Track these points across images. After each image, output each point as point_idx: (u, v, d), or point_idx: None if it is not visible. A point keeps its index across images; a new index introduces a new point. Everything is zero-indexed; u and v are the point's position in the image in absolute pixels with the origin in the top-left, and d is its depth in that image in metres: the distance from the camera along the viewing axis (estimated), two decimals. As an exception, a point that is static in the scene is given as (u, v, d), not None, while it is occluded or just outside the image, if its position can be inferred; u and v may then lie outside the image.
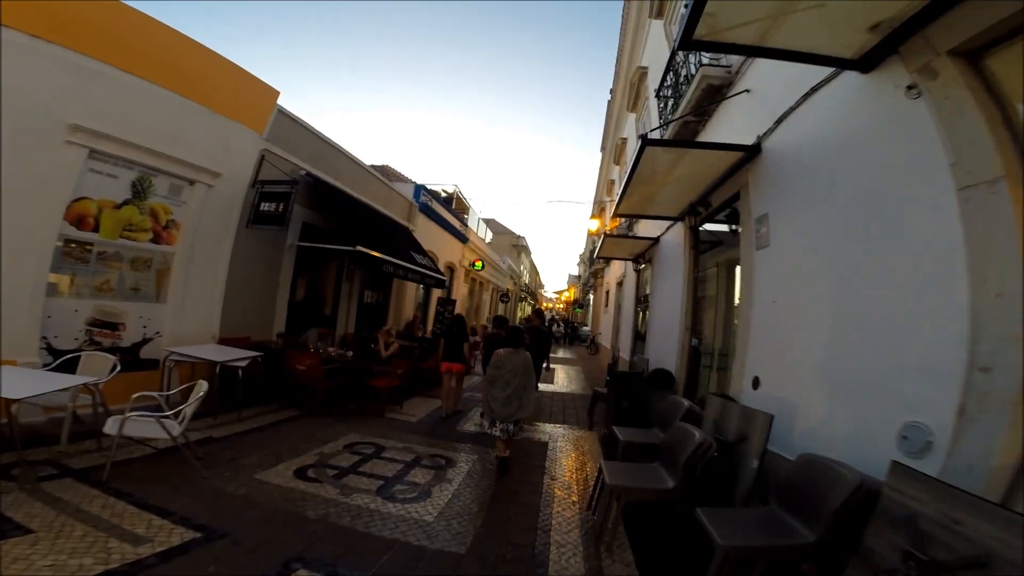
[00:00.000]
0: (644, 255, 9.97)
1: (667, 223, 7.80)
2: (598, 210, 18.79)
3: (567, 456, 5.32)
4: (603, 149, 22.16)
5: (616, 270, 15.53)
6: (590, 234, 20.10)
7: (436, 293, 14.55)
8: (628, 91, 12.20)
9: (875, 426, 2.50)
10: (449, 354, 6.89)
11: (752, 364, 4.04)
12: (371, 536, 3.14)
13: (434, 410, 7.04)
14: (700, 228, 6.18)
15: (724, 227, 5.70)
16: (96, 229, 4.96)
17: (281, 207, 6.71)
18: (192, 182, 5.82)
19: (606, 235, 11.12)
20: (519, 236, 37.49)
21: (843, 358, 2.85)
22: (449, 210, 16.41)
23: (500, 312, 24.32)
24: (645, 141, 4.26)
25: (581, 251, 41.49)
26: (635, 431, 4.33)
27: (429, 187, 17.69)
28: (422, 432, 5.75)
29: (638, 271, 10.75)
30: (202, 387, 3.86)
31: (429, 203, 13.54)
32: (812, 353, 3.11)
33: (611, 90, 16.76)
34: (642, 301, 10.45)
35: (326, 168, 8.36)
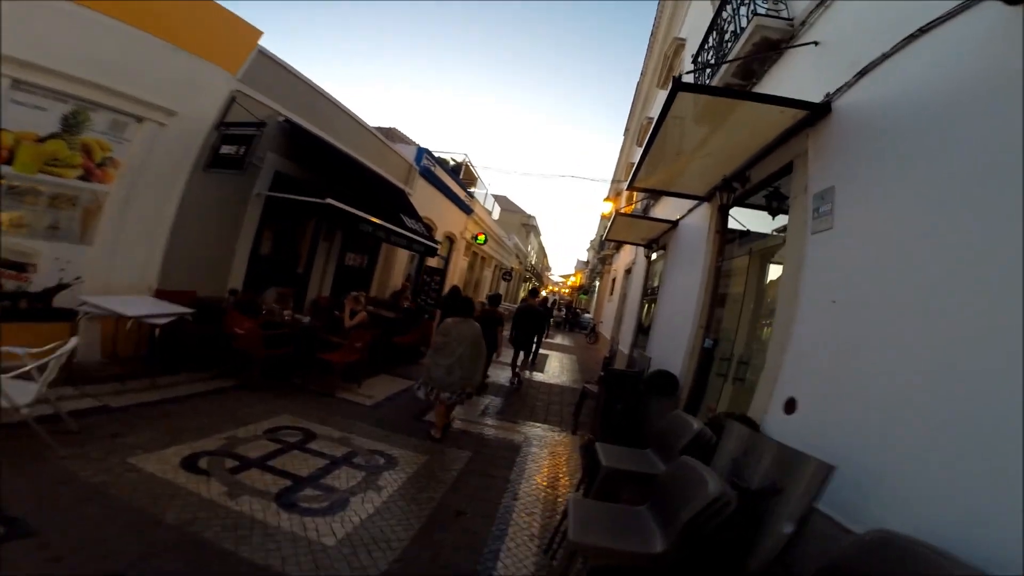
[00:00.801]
0: (658, 240, 8.90)
1: (689, 205, 6.71)
2: (613, 193, 17.60)
3: (539, 467, 4.42)
4: (626, 131, 20.80)
5: (626, 257, 14.45)
6: (603, 218, 18.92)
7: (431, 263, 13.64)
8: (661, 65, 10.95)
9: (1003, 502, 1.53)
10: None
11: (788, 381, 3.03)
12: (232, 558, 2.29)
13: (398, 392, 6.13)
14: (731, 209, 5.07)
15: (757, 212, 4.56)
16: (10, 162, 4.23)
17: (242, 150, 5.79)
18: (140, 119, 5.12)
19: (618, 214, 10.02)
20: (529, 216, 36.27)
21: (949, 391, 1.85)
22: (455, 179, 15.36)
23: (500, 290, 23.38)
24: (677, 84, 3.23)
25: (592, 237, 40.26)
26: (624, 452, 3.37)
27: (436, 153, 16.65)
28: (372, 420, 4.86)
29: (649, 258, 9.70)
30: (68, 344, 2.97)
31: (432, 168, 12.48)
32: (897, 378, 2.11)
33: (642, 69, 15.65)
34: (649, 293, 9.42)
35: (313, 119, 7.44)
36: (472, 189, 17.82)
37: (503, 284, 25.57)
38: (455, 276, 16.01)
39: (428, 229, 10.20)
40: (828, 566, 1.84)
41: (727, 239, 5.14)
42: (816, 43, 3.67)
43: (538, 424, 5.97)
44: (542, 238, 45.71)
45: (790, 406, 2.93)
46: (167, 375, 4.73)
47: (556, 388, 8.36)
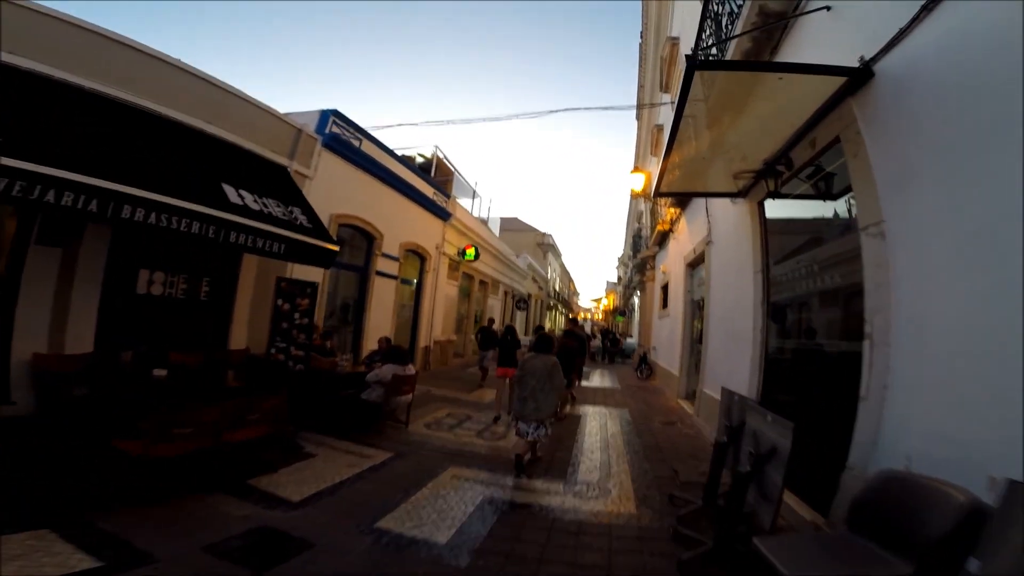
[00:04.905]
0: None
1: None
2: (642, 163, 12.75)
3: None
4: (638, 117, 16.97)
5: (682, 244, 9.40)
6: (633, 196, 13.93)
7: (383, 286, 8.95)
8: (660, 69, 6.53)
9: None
10: (505, 360, 7.06)
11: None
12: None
13: None
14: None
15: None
16: None
17: None
18: None
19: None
20: (544, 234, 31.60)
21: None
22: (423, 177, 11.00)
23: (513, 324, 18.42)
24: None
25: (619, 253, 35.29)
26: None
27: (401, 151, 12.38)
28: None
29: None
30: None
31: (354, 140, 8.04)
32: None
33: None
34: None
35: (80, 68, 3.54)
36: (449, 190, 13.40)
37: (519, 315, 20.65)
38: (435, 306, 11.24)
39: (313, 221, 5.51)
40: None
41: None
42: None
43: None
44: (563, 259, 40.80)
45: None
46: None
47: (592, 516, 3.28)
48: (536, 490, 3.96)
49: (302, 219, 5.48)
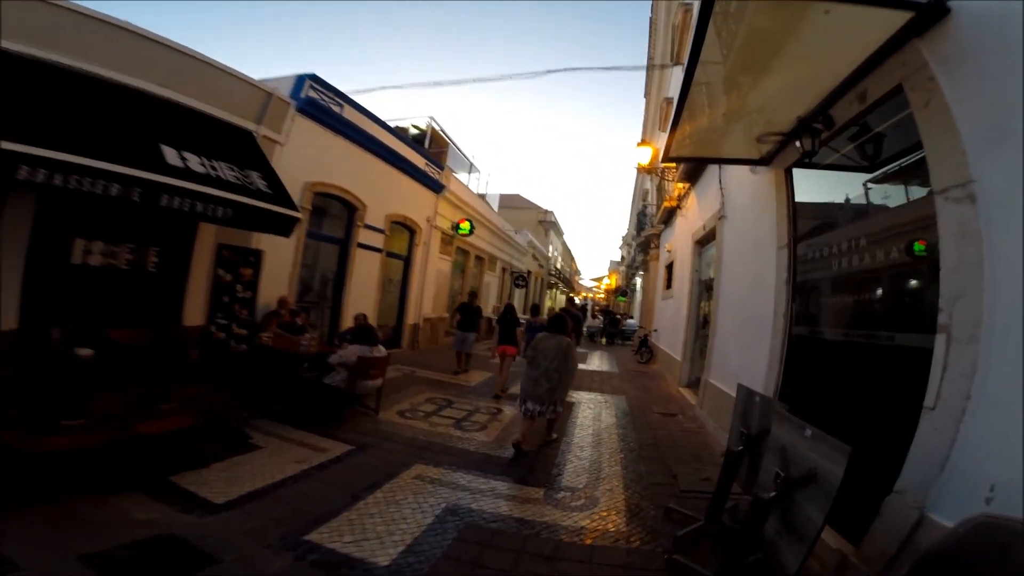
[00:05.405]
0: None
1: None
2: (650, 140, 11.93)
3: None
4: (646, 95, 16.02)
5: (690, 221, 8.69)
6: (640, 171, 13.11)
7: (367, 259, 8.34)
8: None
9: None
10: (504, 338, 6.83)
11: None
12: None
13: None
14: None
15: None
16: None
17: None
18: None
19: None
20: (546, 211, 30.71)
21: None
22: (414, 147, 10.27)
23: (512, 301, 17.87)
24: None
25: (624, 232, 34.41)
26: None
27: (394, 122, 11.60)
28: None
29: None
30: None
31: (333, 106, 7.33)
32: None
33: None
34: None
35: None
36: (444, 161, 12.65)
37: (516, 292, 20.06)
38: (425, 282, 10.64)
39: (274, 186, 4.86)
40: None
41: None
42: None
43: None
44: (565, 238, 39.94)
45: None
46: None
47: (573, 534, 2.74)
48: (512, 497, 3.41)
49: (260, 184, 4.84)
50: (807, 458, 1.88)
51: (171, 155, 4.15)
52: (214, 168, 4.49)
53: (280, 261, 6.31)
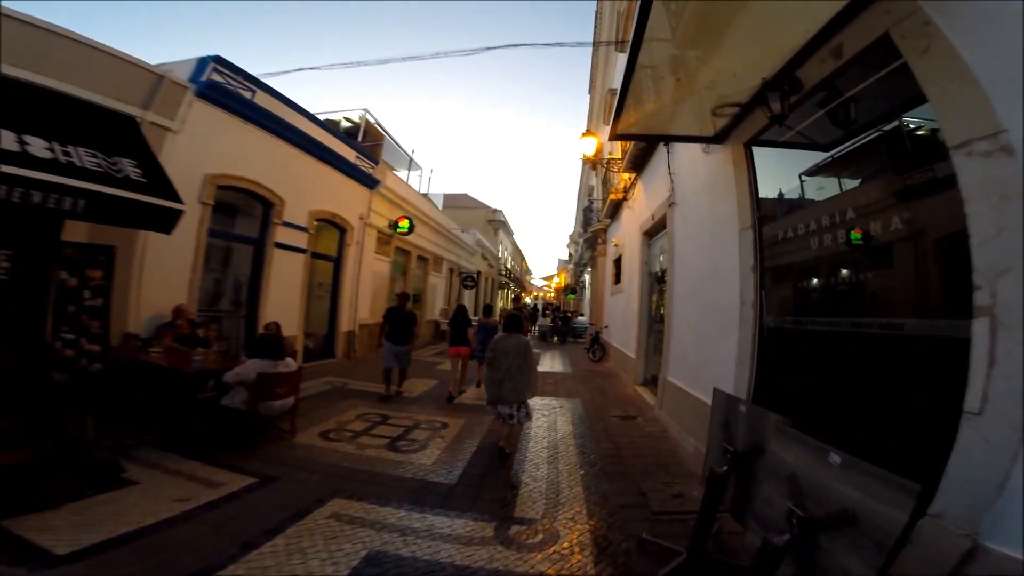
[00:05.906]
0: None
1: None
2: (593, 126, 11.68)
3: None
4: (590, 90, 15.87)
5: (638, 212, 8.43)
6: (585, 162, 12.81)
7: (287, 260, 7.37)
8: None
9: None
10: (456, 339, 6.71)
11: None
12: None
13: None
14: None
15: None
16: None
17: None
18: None
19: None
20: (495, 210, 30.16)
21: None
22: (343, 139, 9.37)
23: (463, 302, 17.15)
24: None
25: (571, 231, 34.62)
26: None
27: (324, 115, 10.61)
28: None
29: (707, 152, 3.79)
30: None
31: (240, 91, 6.38)
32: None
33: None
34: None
35: None
36: (379, 155, 11.77)
37: (466, 293, 19.34)
38: (360, 285, 9.72)
39: (153, 176, 3.95)
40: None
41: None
42: None
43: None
44: (515, 237, 39.60)
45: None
46: None
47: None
48: (453, 537, 2.77)
49: (132, 172, 3.89)
50: (835, 492, 1.41)
51: (7, 138, 3.21)
52: (67, 154, 3.53)
53: (169, 263, 5.29)
